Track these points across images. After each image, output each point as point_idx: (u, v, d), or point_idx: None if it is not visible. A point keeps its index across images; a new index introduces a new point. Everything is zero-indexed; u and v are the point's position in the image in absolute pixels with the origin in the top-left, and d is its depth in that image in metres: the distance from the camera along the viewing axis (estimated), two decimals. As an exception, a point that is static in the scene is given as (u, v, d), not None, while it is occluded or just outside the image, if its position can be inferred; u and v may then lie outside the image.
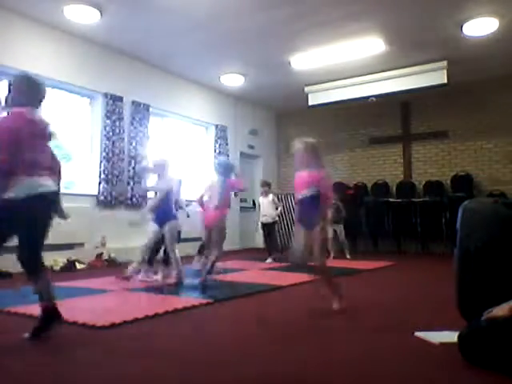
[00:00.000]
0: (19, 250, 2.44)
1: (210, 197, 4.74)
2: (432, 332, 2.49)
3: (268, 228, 7.02)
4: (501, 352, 1.89)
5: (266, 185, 7.12)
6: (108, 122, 6.78)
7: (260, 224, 7.13)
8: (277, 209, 7.11)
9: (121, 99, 6.99)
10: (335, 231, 7.28)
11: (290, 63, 7.55)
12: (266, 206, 6.99)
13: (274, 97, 9.51)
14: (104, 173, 6.65)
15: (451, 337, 2.24)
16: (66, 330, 2.66)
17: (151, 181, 5.25)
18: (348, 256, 7.24)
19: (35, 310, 3.00)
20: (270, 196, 7.04)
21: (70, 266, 5.71)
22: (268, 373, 1.96)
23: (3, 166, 2.37)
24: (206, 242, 4.83)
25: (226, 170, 4.77)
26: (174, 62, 7.56)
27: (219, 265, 5.09)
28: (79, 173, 6.89)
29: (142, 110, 7.34)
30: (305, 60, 7.40)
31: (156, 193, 4.83)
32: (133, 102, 7.23)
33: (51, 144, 2.66)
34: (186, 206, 5.72)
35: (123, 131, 6.99)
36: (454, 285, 2.50)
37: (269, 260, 6.77)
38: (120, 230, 6.77)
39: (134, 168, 7.08)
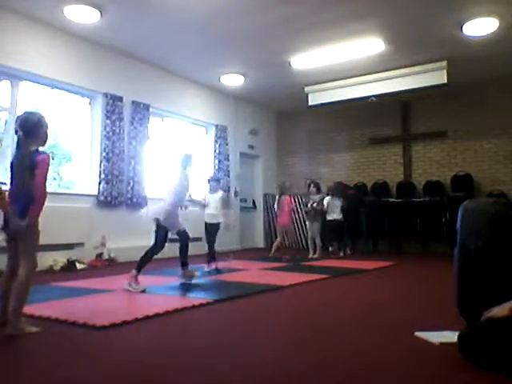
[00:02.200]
0: None
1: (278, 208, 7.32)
2: (432, 332, 2.49)
3: (209, 229, 5.89)
4: (501, 352, 1.89)
5: (215, 180, 6.14)
6: (108, 122, 6.78)
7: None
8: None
9: (121, 99, 6.99)
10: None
11: (290, 63, 7.54)
12: (213, 205, 5.89)
13: (274, 97, 9.50)
14: (104, 173, 6.65)
15: (451, 337, 2.25)
16: (66, 330, 2.66)
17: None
18: (313, 255, 7.50)
19: (34, 309, 3.00)
20: (220, 193, 5.99)
21: (70, 266, 5.71)
22: (267, 372, 1.96)
23: None
24: (282, 236, 7.38)
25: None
26: (174, 62, 7.56)
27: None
28: (79, 173, 6.90)
29: (141, 110, 7.34)
30: (305, 60, 7.40)
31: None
32: (133, 102, 7.23)
33: None
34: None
35: (123, 131, 6.99)
36: (454, 284, 2.50)
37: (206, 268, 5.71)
38: (120, 230, 6.79)
39: (133, 168, 7.09)
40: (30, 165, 2.59)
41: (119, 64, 7.09)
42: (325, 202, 7.69)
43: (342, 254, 7.76)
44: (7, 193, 2.70)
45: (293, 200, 7.57)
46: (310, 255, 7.53)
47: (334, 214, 7.76)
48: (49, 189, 2.70)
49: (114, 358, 2.17)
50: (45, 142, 2.81)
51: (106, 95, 6.81)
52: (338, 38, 6.61)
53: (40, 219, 2.66)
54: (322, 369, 2.00)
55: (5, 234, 2.66)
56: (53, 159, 6.81)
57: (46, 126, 2.79)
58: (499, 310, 2.04)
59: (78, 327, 2.71)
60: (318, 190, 7.93)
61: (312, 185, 7.94)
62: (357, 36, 6.52)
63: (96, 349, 2.31)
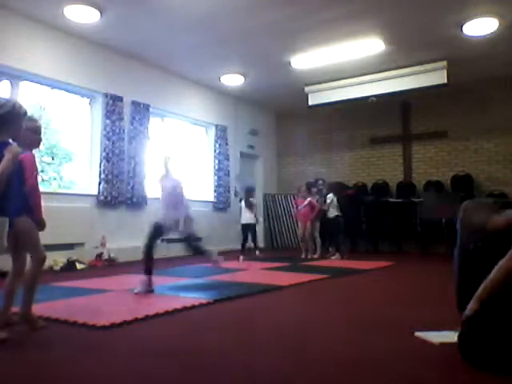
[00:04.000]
0: None
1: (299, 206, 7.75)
2: (432, 332, 2.48)
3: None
4: (500, 352, 1.89)
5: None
6: (108, 122, 6.78)
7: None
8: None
9: (121, 99, 6.99)
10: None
11: (290, 63, 7.55)
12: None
13: (274, 97, 9.50)
14: (104, 173, 6.65)
15: (451, 337, 2.24)
16: (65, 330, 2.66)
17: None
18: (313, 255, 7.52)
19: (34, 309, 3.00)
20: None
21: (70, 266, 5.71)
22: (268, 373, 1.96)
23: None
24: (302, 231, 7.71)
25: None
26: (174, 62, 7.56)
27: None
28: (79, 173, 6.90)
29: (142, 110, 7.35)
30: (305, 60, 7.41)
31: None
32: (133, 102, 7.23)
33: None
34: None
35: (123, 131, 7.00)
36: (454, 285, 2.50)
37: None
38: (120, 230, 6.79)
39: (133, 168, 7.10)
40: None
41: (119, 64, 7.09)
42: (328, 200, 7.60)
43: (341, 256, 7.39)
44: None
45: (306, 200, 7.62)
46: (310, 255, 7.53)
47: (336, 211, 7.69)
48: (49, 189, 2.72)
49: (114, 358, 2.17)
50: (36, 145, 2.80)
51: (106, 95, 6.81)
52: (338, 38, 6.61)
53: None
54: (322, 369, 2.00)
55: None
56: (53, 159, 6.82)
57: (35, 129, 2.75)
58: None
59: (78, 327, 2.71)
60: (319, 191, 7.94)
61: (316, 189, 7.92)
62: (357, 36, 6.52)
63: (96, 349, 2.31)
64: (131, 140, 7.14)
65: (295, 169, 10.48)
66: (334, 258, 7.31)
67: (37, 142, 2.83)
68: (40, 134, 2.83)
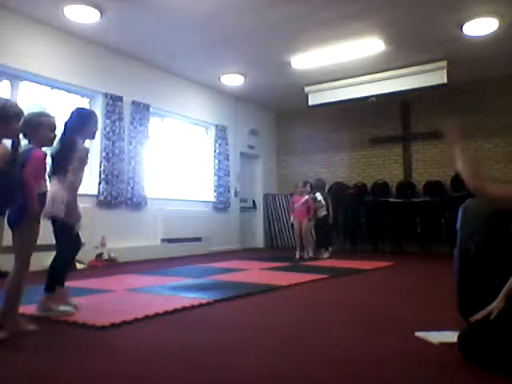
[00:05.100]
0: None
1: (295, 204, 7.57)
2: (432, 332, 2.48)
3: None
4: (501, 352, 1.89)
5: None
6: (108, 122, 6.78)
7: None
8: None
9: (121, 99, 6.99)
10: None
11: (290, 63, 7.55)
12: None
13: (274, 97, 9.50)
14: (104, 173, 6.65)
15: (451, 337, 2.24)
16: (65, 330, 2.66)
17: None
18: (312, 255, 7.48)
19: (34, 310, 3.00)
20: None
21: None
22: (268, 373, 1.96)
23: None
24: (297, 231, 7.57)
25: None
26: (174, 62, 7.56)
27: None
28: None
29: (142, 110, 7.34)
30: (305, 60, 7.41)
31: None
32: (133, 102, 7.23)
33: None
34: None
35: (123, 131, 6.99)
36: (454, 285, 2.50)
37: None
38: (120, 230, 6.79)
39: (133, 168, 7.09)
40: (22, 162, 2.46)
41: (119, 64, 7.09)
42: (319, 197, 7.57)
43: (326, 255, 7.48)
44: None
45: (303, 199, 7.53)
46: (306, 255, 7.48)
47: (325, 211, 7.63)
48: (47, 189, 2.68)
49: (114, 358, 2.17)
50: (49, 143, 2.67)
51: (106, 95, 6.81)
52: (338, 38, 6.61)
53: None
54: (322, 369, 2.00)
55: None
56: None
57: (50, 126, 2.64)
58: (483, 314, 2.05)
59: (77, 327, 2.71)
60: (312, 189, 7.90)
61: (309, 184, 7.91)
62: (357, 36, 6.52)
63: (96, 349, 2.31)
64: (131, 140, 7.14)
65: (295, 169, 10.48)
66: (325, 256, 7.36)
67: (50, 140, 2.69)
68: (54, 130, 2.68)
